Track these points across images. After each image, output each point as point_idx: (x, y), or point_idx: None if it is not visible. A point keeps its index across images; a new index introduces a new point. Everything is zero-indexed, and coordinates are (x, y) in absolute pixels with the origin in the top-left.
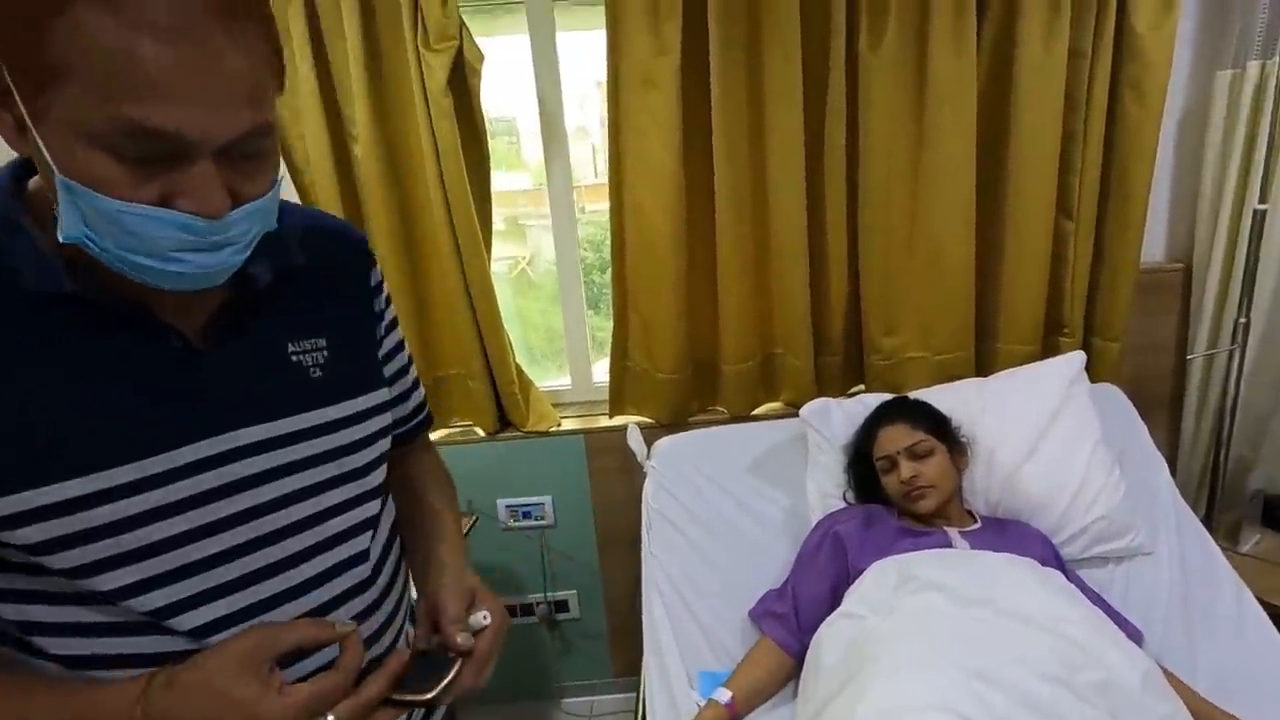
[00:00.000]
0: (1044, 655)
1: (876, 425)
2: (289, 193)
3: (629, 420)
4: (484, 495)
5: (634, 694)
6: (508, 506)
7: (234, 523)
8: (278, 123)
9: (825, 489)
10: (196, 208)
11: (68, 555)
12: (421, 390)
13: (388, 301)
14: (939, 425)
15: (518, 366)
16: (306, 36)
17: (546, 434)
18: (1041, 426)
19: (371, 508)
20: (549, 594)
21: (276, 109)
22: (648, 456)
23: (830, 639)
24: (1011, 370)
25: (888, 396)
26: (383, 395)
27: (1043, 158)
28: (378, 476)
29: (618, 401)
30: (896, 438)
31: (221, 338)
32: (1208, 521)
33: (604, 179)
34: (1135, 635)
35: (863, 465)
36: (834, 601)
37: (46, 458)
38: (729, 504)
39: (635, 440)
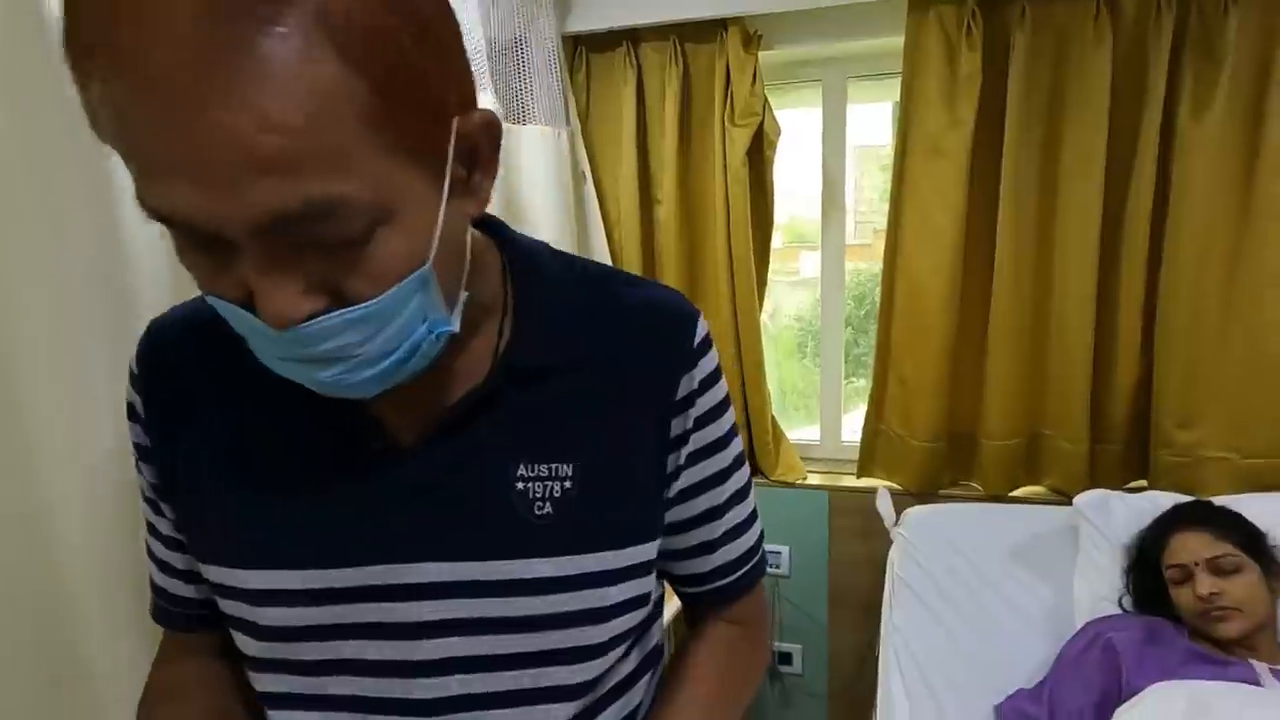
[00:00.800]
0: None
1: (1171, 529)
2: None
3: (877, 484)
4: None
5: None
6: None
7: (385, 670)
8: (392, 194)
9: (1098, 590)
10: (260, 313)
11: (244, 641)
12: (744, 543)
13: (706, 419)
14: (1251, 540)
15: (774, 418)
16: (634, 118)
17: (792, 485)
18: None
19: (584, 701)
20: (775, 643)
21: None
22: (896, 523)
23: None
24: None
25: (1185, 498)
26: (646, 552)
27: None
28: (607, 662)
29: (867, 463)
30: (1196, 547)
31: (438, 442)
32: None
33: (850, 240)
34: None
35: (1148, 571)
36: (1098, 717)
37: (224, 538)
38: (983, 587)
39: (884, 504)
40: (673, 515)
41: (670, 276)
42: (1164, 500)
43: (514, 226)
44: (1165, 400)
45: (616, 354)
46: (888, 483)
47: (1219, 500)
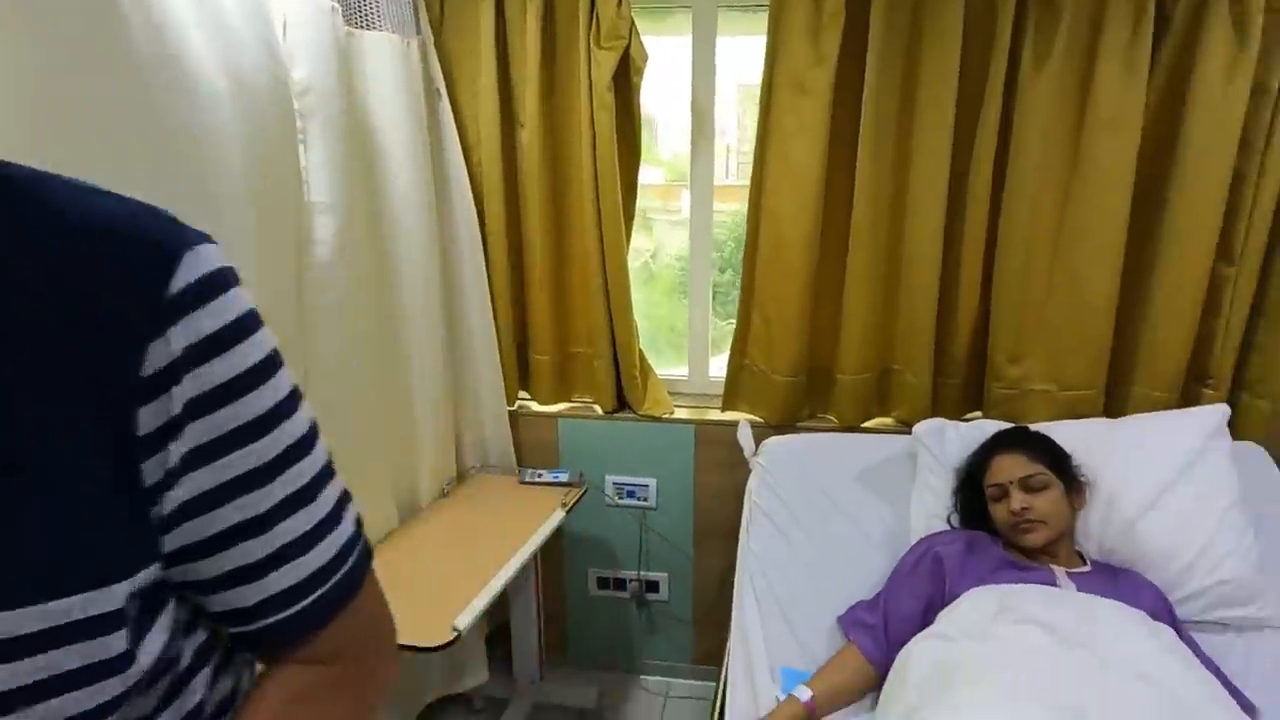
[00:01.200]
0: (1147, 710)
1: (992, 452)
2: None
3: (740, 417)
4: (595, 469)
5: (711, 683)
6: (615, 483)
7: None
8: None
9: (930, 509)
10: None
11: None
12: (312, 562)
13: (216, 400)
14: (1057, 460)
15: (641, 352)
16: (493, 33)
17: (659, 419)
18: (1171, 478)
19: None
20: (643, 572)
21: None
22: (755, 453)
23: (919, 655)
24: (1147, 415)
25: (1007, 425)
26: (109, 600)
27: (1207, 198)
28: None
29: (731, 397)
30: (1011, 467)
31: None
32: None
33: (734, 180)
34: (1249, 708)
35: (972, 491)
36: (925, 620)
37: None
38: (831, 510)
39: (745, 436)
40: (181, 537)
41: (533, 204)
42: (991, 428)
43: (359, 144)
44: (999, 337)
45: (33, 303)
46: (751, 416)
47: (1038, 427)
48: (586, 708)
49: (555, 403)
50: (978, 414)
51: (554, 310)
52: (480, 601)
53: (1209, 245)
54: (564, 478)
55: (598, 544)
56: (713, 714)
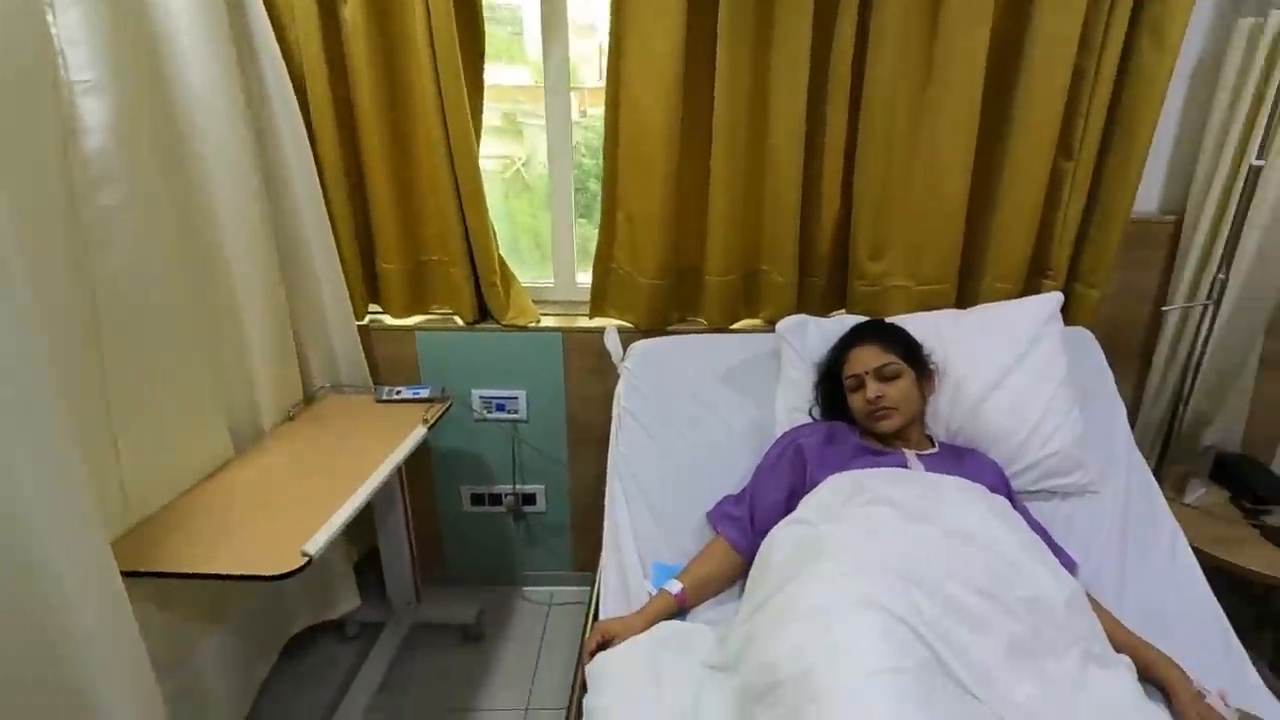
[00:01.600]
0: (978, 570)
1: (849, 345)
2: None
3: (609, 322)
4: (459, 383)
5: (591, 588)
6: (482, 397)
7: None
8: None
9: (793, 404)
10: None
11: None
12: None
13: None
14: (910, 350)
15: (501, 259)
16: None
17: (525, 329)
18: (1011, 362)
19: None
20: (517, 486)
21: None
22: (623, 358)
23: (782, 540)
24: (989, 305)
25: (865, 318)
26: None
27: (1050, 95)
28: None
29: (598, 303)
30: (866, 358)
31: None
32: (1158, 471)
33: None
34: (1070, 564)
35: (831, 383)
36: (788, 509)
37: None
38: (699, 410)
39: (612, 341)
40: None
41: (365, 94)
42: (851, 321)
43: (131, 6)
44: (860, 235)
45: None
46: (619, 321)
47: (892, 319)
48: (467, 623)
49: (410, 315)
50: (841, 312)
51: (400, 214)
52: (333, 524)
53: (1051, 140)
54: (425, 394)
55: (469, 460)
56: (589, 615)
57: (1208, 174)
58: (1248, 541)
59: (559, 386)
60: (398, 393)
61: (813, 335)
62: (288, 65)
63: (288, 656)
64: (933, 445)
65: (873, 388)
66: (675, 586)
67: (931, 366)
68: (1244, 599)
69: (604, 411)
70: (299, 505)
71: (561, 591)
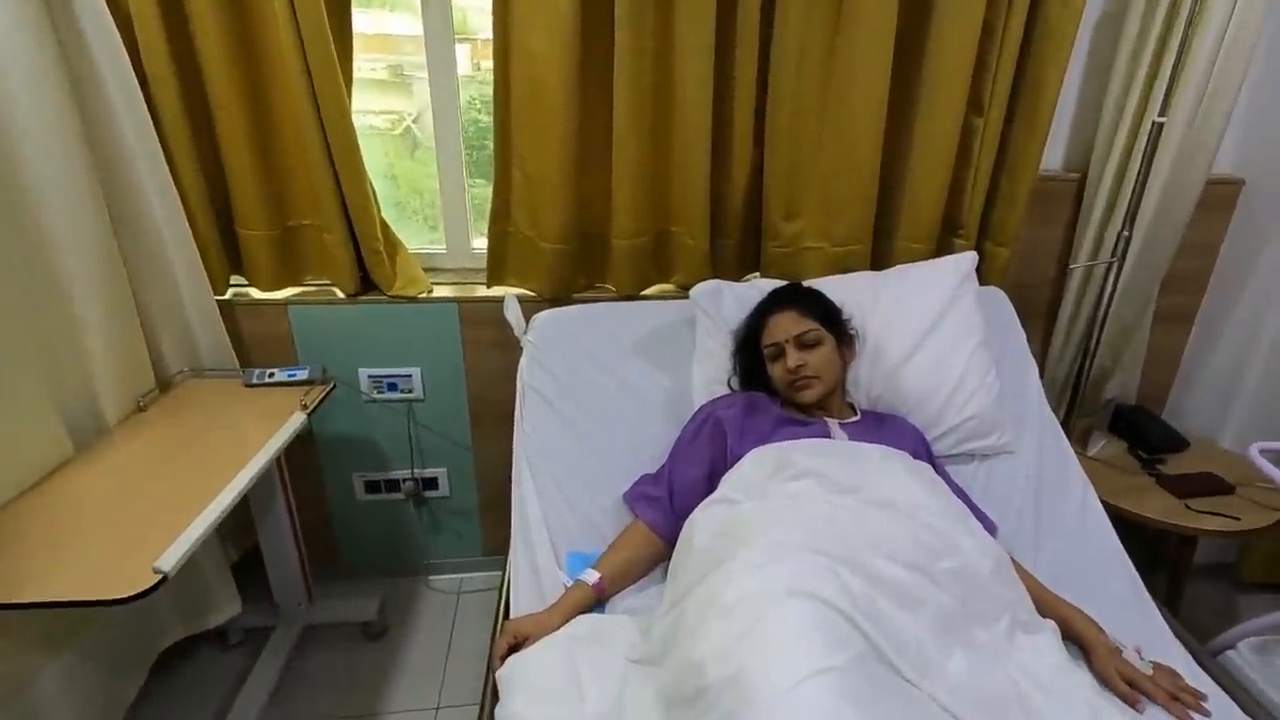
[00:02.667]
0: (904, 543)
1: (767, 312)
2: None
3: (508, 291)
4: (343, 362)
5: (499, 572)
6: (371, 377)
7: None
8: None
9: (710, 374)
10: None
11: None
12: None
13: None
14: (829, 316)
15: (384, 223)
16: None
17: (416, 300)
18: (928, 324)
19: None
20: (416, 470)
21: None
22: (525, 330)
23: (704, 522)
24: (905, 266)
25: (781, 283)
26: None
27: (960, 50)
28: None
29: (497, 270)
30: (786, 325)
31: None
32: (1064, 426)
33: None
34: (990, 527)
35: (750, 351)
36: (710, 486)
37: None
38: (609, 383)
39: (513, 312)
40: None
41: (209, 43)
42: (767, 286)
43: None
44: (774, 195)
45: None
46: (520, 290)
47: (810, 283)
48: (368, 620)
49: (281, 288)
50: (755, 275)
51: (261, 175)
52: (191, 535)
53: (962, 95)
54: (303, 375)
55: (360, 446)
56: (499, 607)
57: (1110, 131)
58: (1146, 490)
59: (457, 362)
60: (270, 375)
61: (728, 302)
62: (112, 11)
63: (160, 672)
64: (854, 413)
65: (793, 356)
66: (592, 576)
67: (852, 332)
68: (1138, 544)
69: (508, 387)
70: (153, 510)
71: (472, 579)
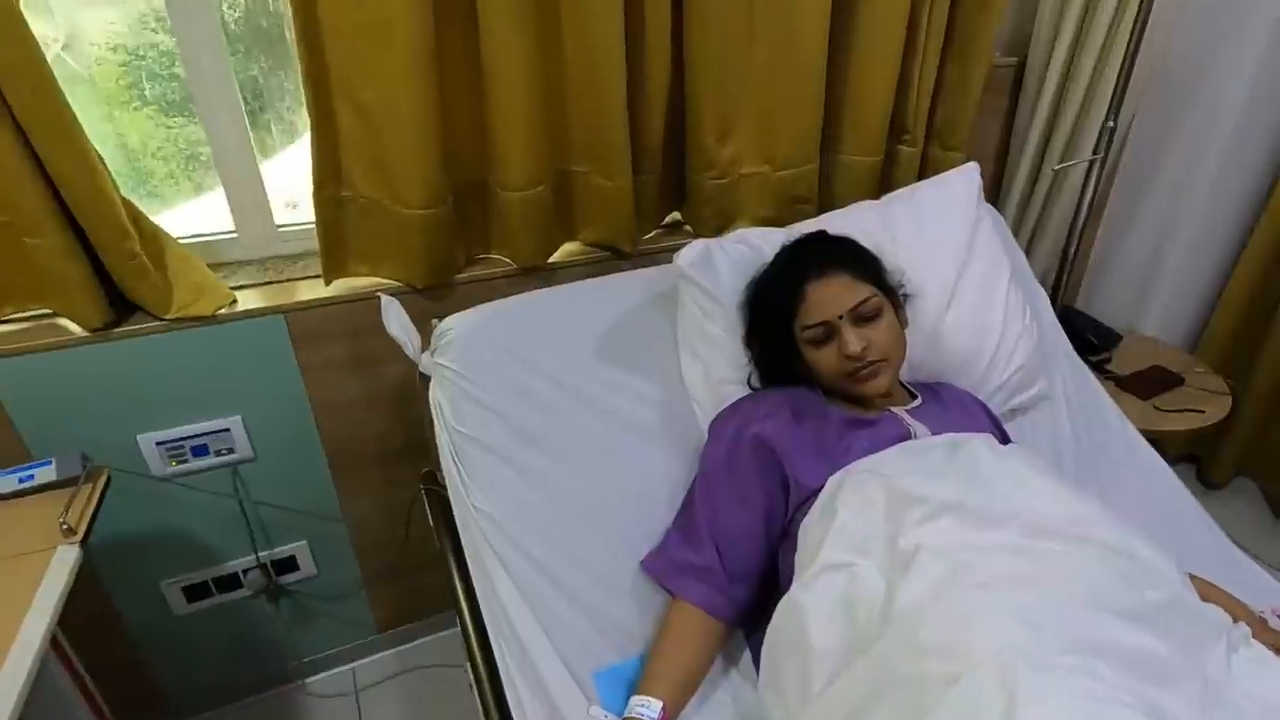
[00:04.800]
0: (1108, 582)
1: (802, 278)
2: None
3: (359, 285)
4: (112, 433)
5: (411, 644)
6: (163, 445)
7: None
8: None
9: (720, 372)
10: None
11: None
12: None
13: None
14: (878, 271)
15: (137, 211)
16: None
17: (214, 320)
18: (959, 264)
19: None
20: (261, 554)
21: None
22: (432, 349)
23: (815, 606)
24: (906, 191)
25: (776, 232)
26: None
27: None
28: None
29: (335, 255)
30: (836, 296)
31: None
32: None
33: None
34: None
35: (778, 337)
36: (769, 536)
37: None
38: (576, 409)
39: (396, 322)
40: None
41: None
42: (759, 240)
43: None
44: (702, 108)
45: None
46: (381, 280)
47: (809, 226)
48: None
49: None
50: (676, 216)
51: None
52: None
53: None
54: (48, 473)
55: (165, 542)
56: None
57: (1057, 7)
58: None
59: (296, 398)
60: None
61: (722, 267)
62: None
63: None
64: (911, 394)
65: (852, 337)
66: (652, 708)
67: (904, 289)
68: None
69: (375, 414)
70: None
71: (369, 667)
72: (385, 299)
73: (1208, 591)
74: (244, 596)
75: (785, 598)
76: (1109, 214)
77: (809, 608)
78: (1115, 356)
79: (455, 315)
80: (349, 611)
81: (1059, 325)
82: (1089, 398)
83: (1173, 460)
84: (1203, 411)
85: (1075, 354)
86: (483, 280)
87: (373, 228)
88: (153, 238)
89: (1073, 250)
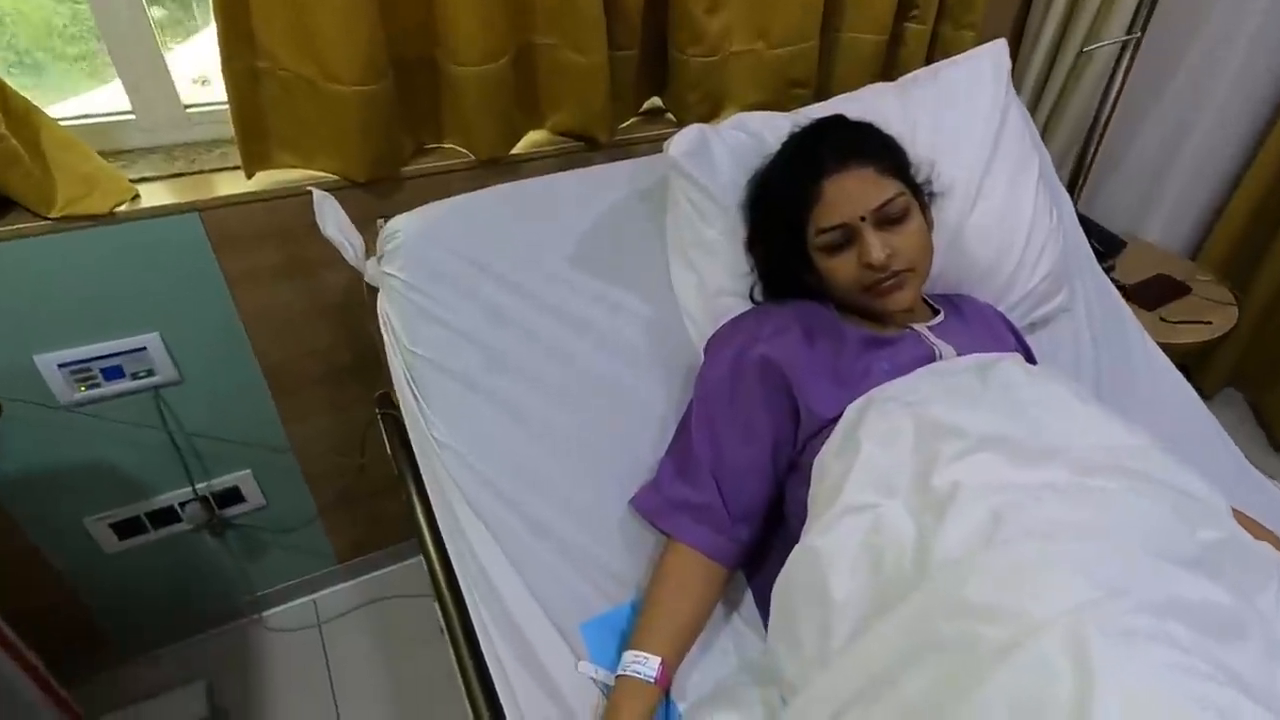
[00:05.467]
0: (1169, 525)
1: (818, 172)
2: None
3: (286, 178)
4: (2, 356)
5: (377, 573)
6: (65, 367)
7: None
8: None
9: (715, 282)
10: None
11: None
12: None
13: None
14: (903, 164)
15: (2, 85)
16: None
17: (112, 219)
18: (986, 157)
19: None
20: (199, 485)
21: None
22: (378, 255)
23: (835, 554)
24: (927, 71)
25: (780, 117)
26: None
27: None
28: None
29: (254, 140)
30: (857, 192)
31: None
32: None
33: None
34: None
35: (787, 240)
36: (776, 470)
37: None
38: (549, 324)
39: (333, 223)
40: None
41: None
42: (761, 126)
43: None
44: None
45: None
46: (315, 173)
47: (824, 109)
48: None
49: None
50: (656, 102)
51: None
52: None
53: None
54: None
55: (82, 477)
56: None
57: None
58: None
59: (222, 310)
60: None
61: (720, 158)
62: None
63: None
64: (934, 309)
65: (875, 242)
66: (650, 665)
67: (931, 187)
68: None
69: (317, 331)
70: None
71: (332, 599)
72: (319, 194)
73: (1248, 525)
74: (185, 530)
75: (799, 546)
76: (1121, 108)
77: (828, 555)
78: (1122, 265)
79: (403, 215)
80: (305, 542)
81: (1079, 227)
82: (1109, 308)
83: None
84: (1209, 323)
85: (1094, 261)
86: (435, 174)
87: (298, 108)
88: (24, 118)
89: (1092, 148)
